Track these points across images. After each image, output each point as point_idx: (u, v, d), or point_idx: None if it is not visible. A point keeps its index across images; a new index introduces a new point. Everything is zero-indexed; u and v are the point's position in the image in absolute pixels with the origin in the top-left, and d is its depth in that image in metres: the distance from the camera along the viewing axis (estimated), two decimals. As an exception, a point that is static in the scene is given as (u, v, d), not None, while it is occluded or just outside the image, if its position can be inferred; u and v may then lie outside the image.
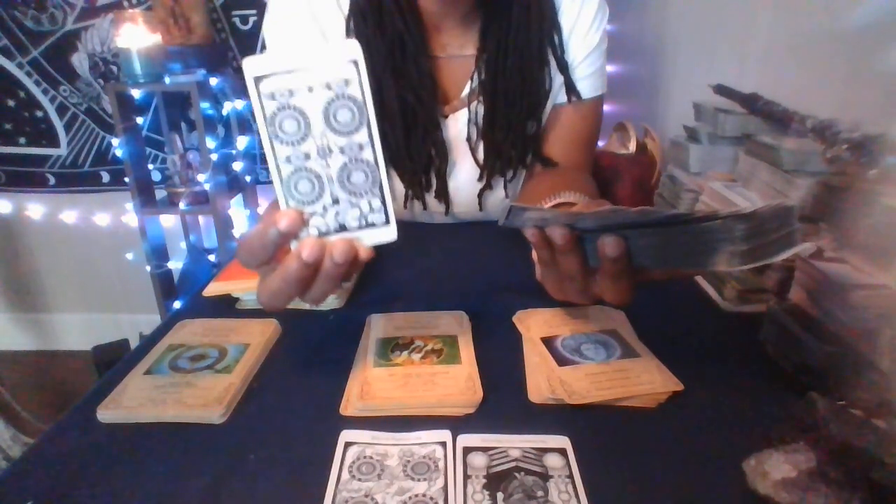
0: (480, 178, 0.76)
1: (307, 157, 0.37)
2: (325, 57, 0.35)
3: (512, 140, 0.74)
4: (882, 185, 0.46)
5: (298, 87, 0.36)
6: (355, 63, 0.36)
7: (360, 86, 0.36)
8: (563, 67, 0.73)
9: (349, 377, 0.44)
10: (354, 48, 0.35)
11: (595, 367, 0.44)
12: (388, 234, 0.39)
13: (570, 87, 0.74)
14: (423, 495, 0.33)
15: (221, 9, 1.64)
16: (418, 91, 0.70)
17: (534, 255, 0.48)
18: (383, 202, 0.38)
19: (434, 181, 0.75)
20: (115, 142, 1.73)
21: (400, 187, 0.76)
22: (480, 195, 0.78)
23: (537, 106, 0.73)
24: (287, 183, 0.37)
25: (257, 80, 0.35)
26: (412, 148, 0.73)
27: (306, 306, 0.55)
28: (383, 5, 0.68)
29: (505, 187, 0.77)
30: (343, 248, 0.37)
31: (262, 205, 1.77)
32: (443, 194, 0.76)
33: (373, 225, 0.39)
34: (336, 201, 0.38)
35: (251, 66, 0.35)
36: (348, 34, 0.70)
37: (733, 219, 0.34)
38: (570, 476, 0.34)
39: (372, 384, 0.43)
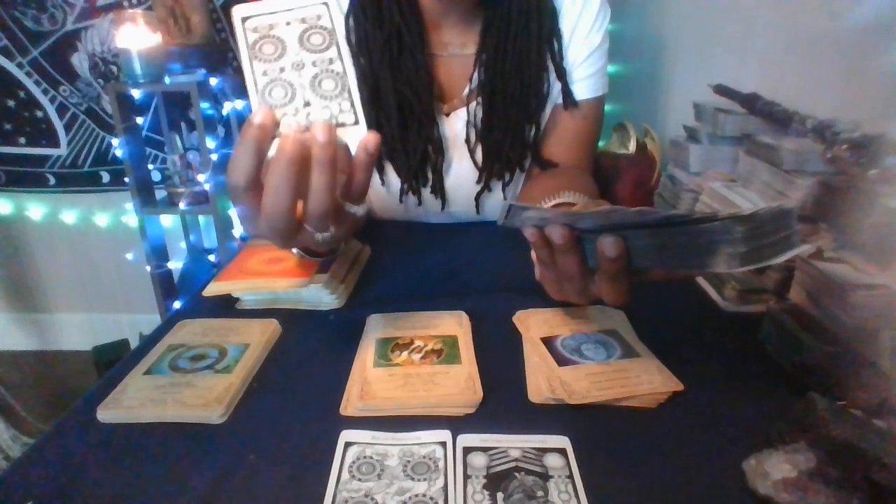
0: (479, 180, 0.76)
1: (282, 70, 0.41)
2: (301, 1, 0.42)
3: (510, 143, 0.74)
4: (882, 185, 0.46)
5: (277, 22, 0.42)
6: (326, 4, 0.42)
7: (330, 19, 0.42)
8: (562, 74, 0.73)
9: (349, 377, 0.44)
10: None
11: (595, 367, 0.44)
12: (359, 131, 0.41)
13: (567, 95, 0.74)
14: (423, 495, 0.33)
15: (221, 9, 1.64)
16: (415, 85, 0.70)
17: (533, 254, 0.48)
18: (352, 104, 0.41)
19: (430, 177, 0.75)
20: (115, 142, 1.73)
21: (396, 181, 0.76)
22: (478, 197, 0.78)
23: (536, 110, 0.73)
24: (262, 92, 0.40)
25: (244, 19, 0.41)
26: (408, 142, 0.73)
27: (306, 306, 0.56)
28: (382, 0, 0.68)
29: (503, 190, 0.77)
30: (322, 126, 0.37)
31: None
32: (439, 190, 0.76)
33: (343, 124, 0.41)
34: (307, 104, 0.41)
35: (238, 10, 0.41)
36: (347, 32, 0.70)
37: (733, 220, 0.34)
38: (570, 476, 0.34)
39: (372, 384, 0.43)
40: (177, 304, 1.71)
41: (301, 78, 0.41)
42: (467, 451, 0.36)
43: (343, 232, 0.43)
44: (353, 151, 0.40)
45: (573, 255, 0.42)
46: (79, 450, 0.38)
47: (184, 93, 1.59)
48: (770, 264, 0.35)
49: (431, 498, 0.33)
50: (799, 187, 0.54)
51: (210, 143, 1.50)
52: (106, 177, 1.85)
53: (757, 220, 0.33)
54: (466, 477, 0.34)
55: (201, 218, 1.85)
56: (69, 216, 1.90)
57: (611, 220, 0.39)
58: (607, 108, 0.82)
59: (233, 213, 1.64)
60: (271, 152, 0.38)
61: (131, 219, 1.82)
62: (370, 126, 0.70)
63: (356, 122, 0.41)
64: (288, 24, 0.41)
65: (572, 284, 0.45)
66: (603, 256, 0.40)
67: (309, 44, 0.42)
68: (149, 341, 0.50)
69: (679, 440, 0.38)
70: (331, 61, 0.42)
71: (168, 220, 1.79)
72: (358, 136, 0.41)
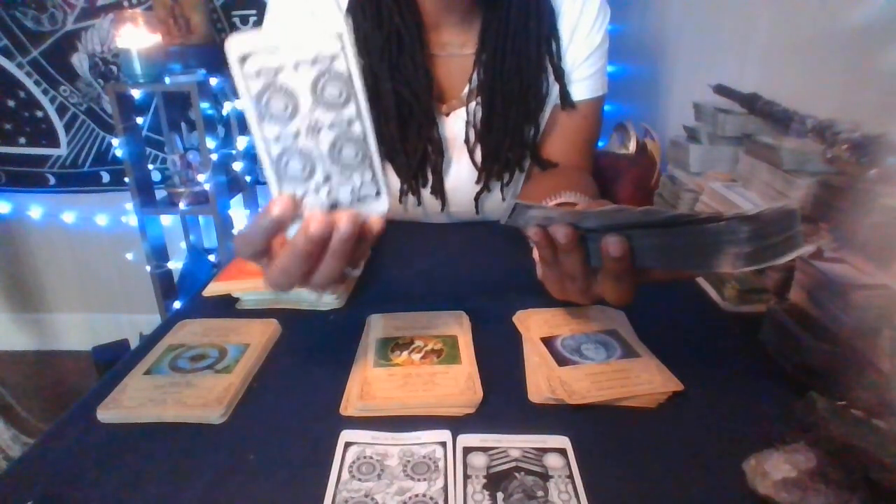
0: (478, 181, 0.76)
1: (296, 135, 0.36)
2: (310, 33, 0.35)
3: (509, 144, 0.74)
4: (882, 185, 0.46)
5: (284, 65, 0.35)
6: (340, 37, 0.35)
7: (345, 61, 0.35)
8: (560, 76, 0.73)
9: (349, 377, 0.44)
10: (339, 23, 0.35)
11: (595, 367, 0.44)
12: (381, 205, 0.39)
13: (565, 97, 0.74)
14: (423, 495, 0.33)
15: (221, 9, 1.64)
16: (414, 86, 0.70)
17: (535, 253, 0.48)
18: (374, 174, 0.38)
19: (430, 177, 0.76)
20: (115, 142, 1.73)
21: (395, 182, 0.76)
22: (477, 198, 0.78)
23: (535, 110, 0.73)
24: (277, 163, 0.36)
25: (242, 58, 0.34)
26: (408, 143, 0.73)
27: (306, 306, 0.56)
28: (381, 0, 0.68)
29: (502, 190, 0.77)
30: (348, 221, 0.36)
31: (262, 205, 1.77)
32: (439, 191, 0.76)
33: (365, 198, 0.38)
34: (328, 178, 0.37)
35: (234, 45, 0.34)
36: None
37: (738, 220, 0.34)
38: (570, 476, 0.34)
39: (372, 384, 0.43)
40: (177, 304, 1.71)
41: (319, 145, 0.36)
42: (467, 451, 0.36)
43: (337, 290, 0.42)
44: (373, 220, 0.39)
45: (576, 255, 0.42)
46: (79, 450, 0.38)
47: (184, 93, 1.59)
48: (774, 265, 0.35)
49: (431, 498, 0.33)
50: (799, 187, 0.54)
51: (210, 143, 1.50)
52: (106, 177, 1.85)
53: (762, 221, 0.33)
54: (466, 477, 0.34)
55: (201, 218, 1.85)
56: (69, 216, 1.90)
57: (615, 219, 0.39)
58: (607, 108, 0.82)
59: (233, 213, 1.64)
60: (291, 232, 0.37)
61: (131, 219, 1.82)
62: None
63: (378, 194, 0.38)
64: (296, 67, 0.35)
65: (575, 284, 0.45)
66: (607, 256, 0.39)
67: (324, 98, 0.36)
68: (149, 341, 0.50)
69: (679, 440, 0.38)
70: (350, 122, 0.36)
71: (168, 220, 1.79)
72: (379, 207, 0.38)
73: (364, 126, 0.37)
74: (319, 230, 0.36)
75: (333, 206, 0.38)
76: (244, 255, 0.39)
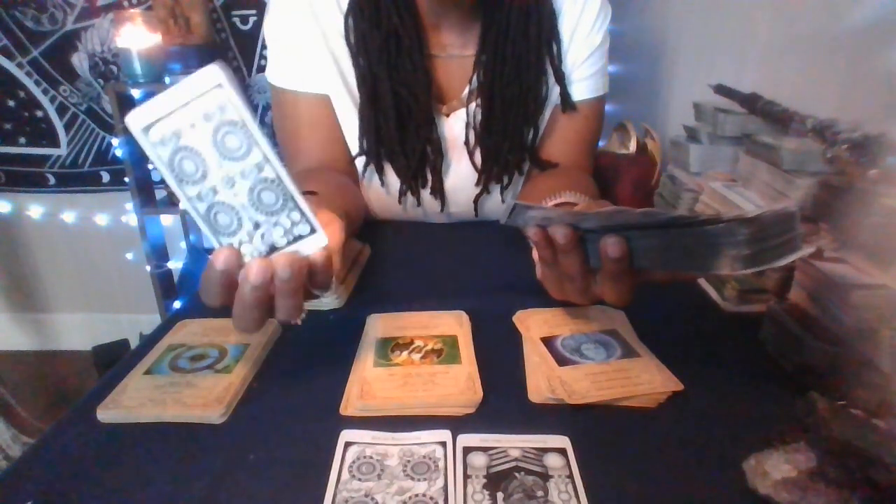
0: (477, 183, 0.76)
1: (214, 191, 0.37)
2: (191, 88, 0.34)
3: (508, 146, 0.74)
4: (882, 185, 0.46)
5: (181, 127, 0.35)
6: (220, 85, 0.35)
7: (234, 108, 0.35)
8: (560, 78, 0.73)
9: (349, 377, 0.44)
10: (215, 72, 0.34)
11: (595, 367, 0.44)
12: (318, 241, 0.39)
13: (566, 99, 0.74)
14: (423, 495, 0.33)
15: (221, 9, 1.64)
16: (413, 87, 0.70)
17: (534, 254, 0.48)
18: (302, 213, 0.38)
19: (430, 178, 0.76)
20: (115, 142, 1.73)
21: (395, 182, 0.76)
22: (476, 200, 0.78)
23: (534, 113, 0.73)
24: (206, 219, 0.37)
25: (145, 130, 0.34)
26: (406, 143, 0.73)
27: (306, 306, 0.56)
28: (380, 1, 0.68)
29: (501, 193, 0.77)
30: (285, 263, 0.37)
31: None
32: (438, 191, 0.76)
33: (300, 237, 0.39)
34: (257, 225, 0.38)
35: (134, 119, 0.34)
36: (346, 32, 0.70)
37: (737, 223, 0.34)
38: (570, 476, 0.34)
39: (372, 384, 0.43)
40: (177, 304, 1.71)
41: (238, 196, 0.37)
42: (467, 450, 0.36)
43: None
44: (314, 256, 0.39)
45: (575, 255, 0.42)
46: (79, 450, 0.38)
47: (184, 93, 1.59)
48: (772, 267, 0.35)
49: (431, 498, 0.33)
50: (799, 187, 0.54)
51: (210, 143, 1.49)
52: (106, 177, 1.85)
53: (761, 223, 0.33)
54: (466, 477, 0.34)
55: (201, 218, 1.84)
56: (69, 216, 1.90)
57: (615, 220, 0.39)
58: (607, 108, 0.82)
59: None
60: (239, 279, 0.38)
61: (131, 219, 1.82)
62: (369, 126, 0.71)
63: (312, 231, 0.38)
64: (193, 126, 0.35)
65: (574, 284, 0.45)
66: (606, 257, 0.39)
67: (227, 150, 0.36)
68: (149, 341, 0.50)
69: (679, 440, 0.38)
70: (259, 168, 0.36)
71: (168, 220, 1.79)
72: (317, 243, 0.39)
73: (275, 168, 0.37)
74: (259, 278, 0.37)
75: (272, 249, 0.39)
76: (212, 306, 0.39)
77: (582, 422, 0.39)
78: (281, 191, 0.37)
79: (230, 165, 0.36)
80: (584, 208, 0.51)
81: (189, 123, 0.35)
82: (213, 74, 0.34)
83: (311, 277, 0.40)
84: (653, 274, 0.42)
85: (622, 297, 0.42)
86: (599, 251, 0.40)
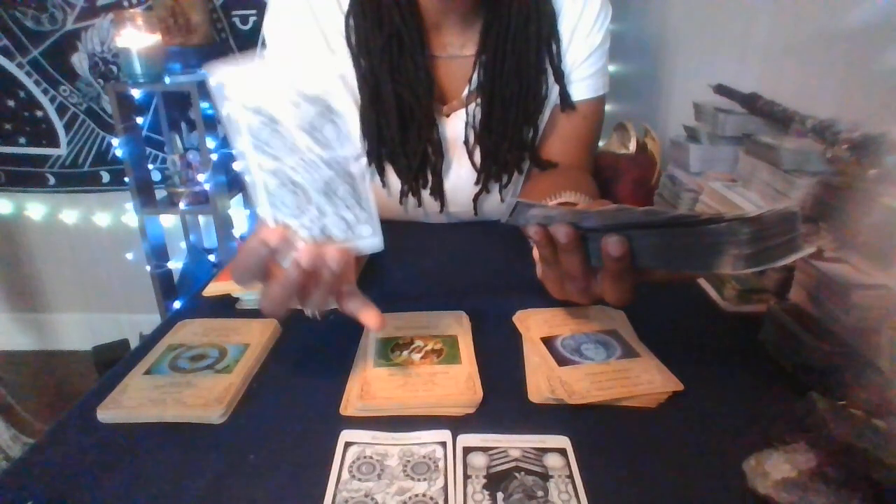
0: (477, 182, 0.76)
1: (293, 170, 0.37)
2: (311, 70, 0.35)
3: (508, 146, 0.74)
4: (882, 185, 0.46)
5: (284, 102, 0.35)
6: (342, 77, 0.35)
7: (344, 101, 0.36)
8: (560, 77, 0.73)
9: (349, 377, 0.44)
10: (342, 64, 0.35)
11: (595, 367, 0.44)
12: (374, 244, 0.40)
13: (565, 99, 0.74)
14: (423, 495, 0.33)
15: (221, 9, 1.64)
16: (415, 88, 0.70)
17: (535, 253, 0.48)
18: (369, 213, 0.39)
19: (430, 178, 0.76)
20: (115, 142, 1.73)
21: (396, 183, 0.76)
22: (476, 199, 0.78)
23: (534, 112, 0.73)
24: (273, 196, 0.37)
25: (240, 93, 0.34)
26: (408, 144, 0.73)
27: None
28: (382, 1, 0.68)
29: (500, 192, 0.77)
30: (338, 256, 0.38)
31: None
32: (438, 192, 0.76)
33: (359, 236, 0.39)
34: (322, 213, 0.38)
35: (224, 78, 0.34)
36: (347, 32, 0.70)
37: (739, 222, 0.34)
38: (570, 476, 0.34)
39: (372, 384, 0.43)
40: (177, 304, 1.71)
41: (314, 181, 0.37)
42: (467, 451, 0.36)
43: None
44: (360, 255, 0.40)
45: (576, 254, 0.42)
46: (79, 450, 0.38)
47: (184, 93, 1.59)
48: (774, 266, 0.35)
49: (431, 498, 0.33)
50: (799, 187, 0.54)
51: (210, 143, 1.50)
52: (106, 177, 1.85)
53: (763, 223, 0.33)
54: (466, 477, 0.34)
55: (201, 218, 1.84)
56: (69, 216, 1.90)
57: (617, 219, 0.39)
58: (607, 108, 0.82)
59: (233, 213, 1.64)
60: (285, 263, 0.38)
61: (131, 219, 1.82)
62: (370, 127, 0.71)
63: (373, 233, 0.39)
64: (297, 105, 0.35)
65: (575, 283, 0.45)
66: (607, 256, 0.39)
67: (322, 137, 0.36)
68: (149, 341, 0.50)
69: (679, 440, 0.38)
70: (346, 162, 0.37)
71: (168, 220, 1.79)
72: (372, 246, 0.39)
73: (361, 166, 0.37)
74: (310, 263, 0.37)
75: (327, 240, 0.39)
76: (241, 282, 0.39)
77: (582, 422, 0.39)
78: (357, 188, 0.38)
79: (318, 150, 0.37)
80: (585, 207, 0.51)
81: (293, 101, 0.35)
82: (339, 64, 0.36)
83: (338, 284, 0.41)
84: (653, 273, 0.42)
85: (623, 296, 0.42)
86: (601, 250, 0.40)
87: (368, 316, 0.42)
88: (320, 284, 0.39)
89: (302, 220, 0.38)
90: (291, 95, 0.35)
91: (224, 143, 1.60)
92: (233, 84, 0.34)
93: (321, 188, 0.37)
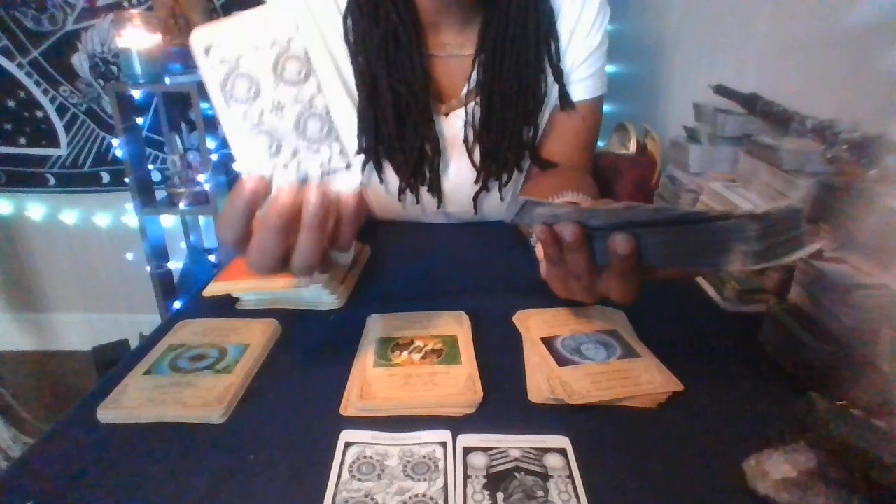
0: (477, 181, 0.76)
1: (262, 113, 0.38)
2: (265, 19, 0.37)
3: (507, 144, 0.74)
4: (882, 185, 0.46)
5: (245, 51, 0.37)
6: (294, 20, 0.37)
7: (301, 41, 0.37)
8: (559, 76, 0.73)
9: (349, 377, 0.44)
10: (292, 5, 0.37)
11: (595, 367, 0.44)
12: (352, 178, 0.39)
13: (565, 98, 0.74)
14: (423, 495, 0.33)
15: (221, 9, 1.64)
16: (411, 84, 0.70)
17: (539, 252, 0.48)
18: (342, 147, 0.39)
19: (428, 175, 0.76)
20: (115, 142, 1.73)
21: (394, 180, 0.76)
22: (476, 198, 0.78)
23: (533, 111, 0.73)
24: (245, 142, 0.38)
25: (206, 49, 0.36)
26: (405, 141, 0.73)
27: (306, 306, 0.56)
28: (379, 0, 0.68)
29: (500, 190, 0.77)
30: (317, 192, 0.37)
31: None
32: (435, 188, 0.76)
33: (335, 171, 0.39)
34: (295, 153, 0.38)
35: (198, 37, 0.36)
36: (345, 32, 0.70)
37: (747, 218, 0.34)
38: (570, 476, 0.34)
39: (372, 384, 0.43)
40: (177, 304, 1.71)
41: (284, 122, 0.38)
42: (467, 451, 0.36)
43: (327, 276, 0.42)
44: (345, 195, 0.39)
45: (582, 253, 0.42)
46: (79, 450, 0.38)
47: (184, 93, 1.59)
48: (781, 263, 0.35)
49: (431, 498, 0.33)
50: (799, 187, 0.54)
51: (210, 143, 1.50)
52: (106, 177, 1.85)
53: (770, 219, 0.34)
54: (466, 477, 0.34)
55: (201, 218, 1.85)
56: (69, 216, 1.90)
57: (625, 217, 0.38)
58: (607, 108, 0.82)
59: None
60: (263, 209, 0.37)
61: (131, 219, 1.82)
62: (368, 124, 0.71)
63: (348, 167, 0.39)
64: (258, 49, 0.37)
65: (580, 282, 0.45)
66: (615, 254, 0.39)
67: (284, 77, 0.37)
68: (149, 341, 0.50)
69: (679, 440, 0.38)
70: (311, 98, 0.38)
71: (168, 220, 1.79)
72: (350, 181, 0.39)
73: (326, 100, 0.38)
74: (288, 202, 0.37)
75: (304, 182, 0.39)
76: (225, 240, 0.39)
77: (582, 422, 0.39)
78: (327, 123, 0.38)
79: (284, 91, 0.37)
80: (594, 205, 0.51)
81: (254, 46, 0.37)
82: (290, 6, 0.37)
83: (337, 225, 0.40)
84: (660, 271, 0.42)
85: (629, 294, 0.42)
86: (608, 248, 0.40)
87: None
88: (304, 227, 0.38)
89: (276, 161, 0.38)
90: (252, 43, 0.37)
91: (224, 143, 1.60)
92: (201, 43, 0.36)
93: (291, 127, 0.38)
